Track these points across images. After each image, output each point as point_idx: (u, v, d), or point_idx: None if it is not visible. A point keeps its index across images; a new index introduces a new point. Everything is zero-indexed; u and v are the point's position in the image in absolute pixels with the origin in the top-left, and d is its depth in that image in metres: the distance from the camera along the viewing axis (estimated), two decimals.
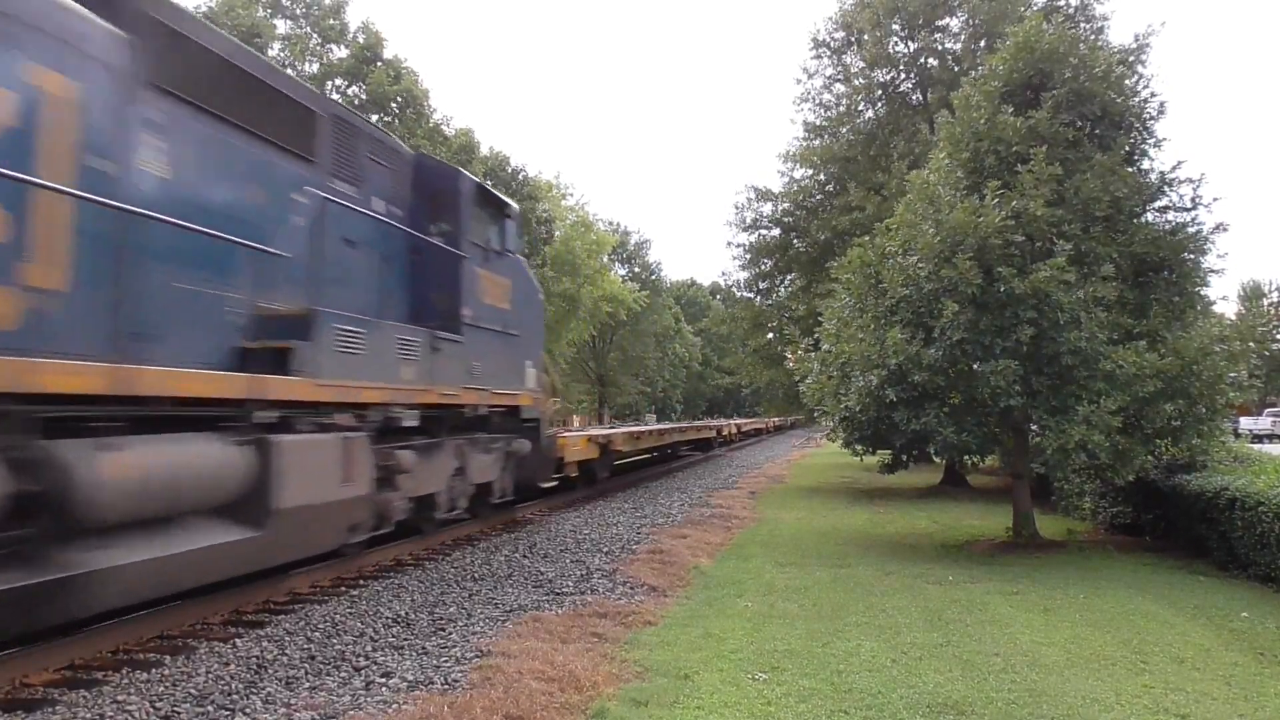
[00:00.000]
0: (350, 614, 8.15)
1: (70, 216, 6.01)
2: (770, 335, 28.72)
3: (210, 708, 5.69)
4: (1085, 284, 11.08)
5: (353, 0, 43.29)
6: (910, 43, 24.50)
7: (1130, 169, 12.36)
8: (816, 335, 14.25)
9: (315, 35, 29.38)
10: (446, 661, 6.67)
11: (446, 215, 11.74)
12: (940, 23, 24.18)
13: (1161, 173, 12.75)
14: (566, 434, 19.28)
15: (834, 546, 12.94)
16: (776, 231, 26.73)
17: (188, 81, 7.40)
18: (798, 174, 26.65)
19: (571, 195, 48.84)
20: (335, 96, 29.57)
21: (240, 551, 7.29)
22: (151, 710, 5.61)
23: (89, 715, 5.53)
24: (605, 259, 50.35)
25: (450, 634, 7.55)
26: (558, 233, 43.10)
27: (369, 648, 7.11)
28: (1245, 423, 44.80)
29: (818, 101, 26.32)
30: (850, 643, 7.36)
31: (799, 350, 16.56)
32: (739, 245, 27.40)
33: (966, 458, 19.30)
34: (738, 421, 47.13)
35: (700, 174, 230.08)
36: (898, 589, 9.70)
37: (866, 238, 13.39)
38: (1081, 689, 6.23)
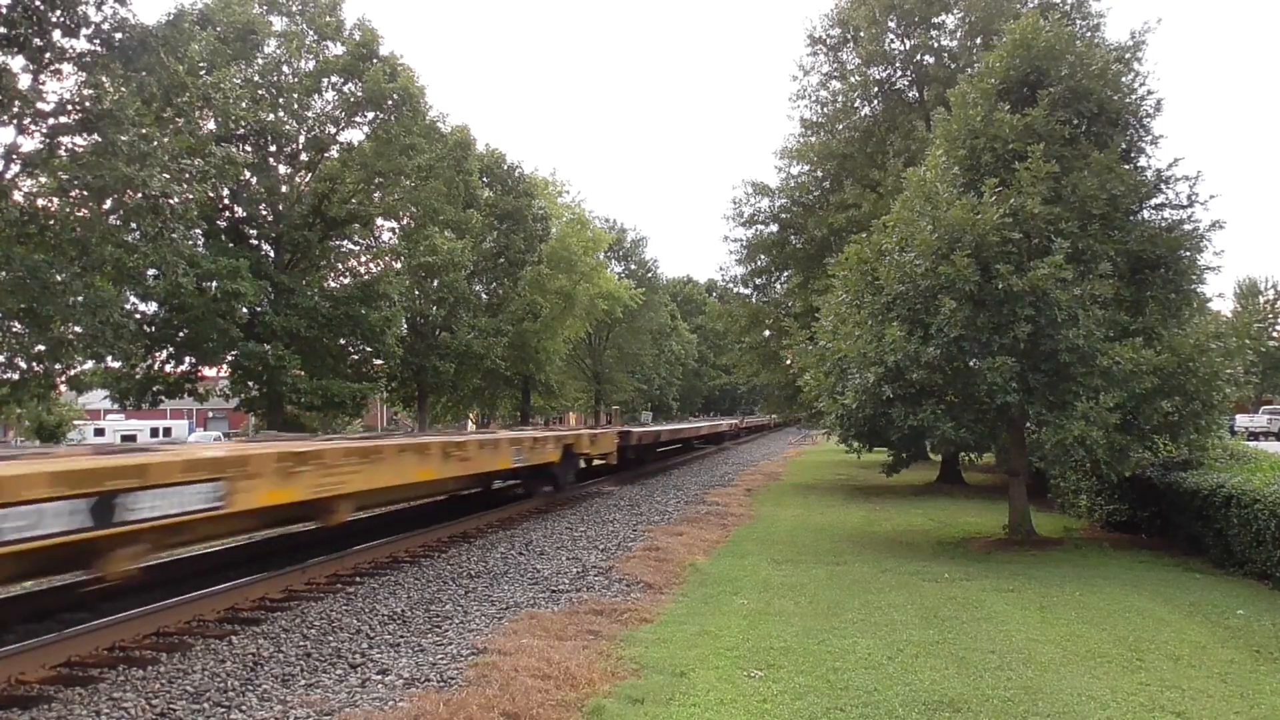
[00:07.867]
0: (346, 611, 8.14)
1: None
2: (767, 332, 28.69)
3: (206, 705, 5.68)
4: (1082, 281, 11.08)
5: None
6: (906, 40, 24.43)
7: (1127, 166, 12.35)
8: (813, 331, 14.24)
9: (311, 32, 29.20)
10: (443, 659, 6.67)
11: None
12: (936, 20, 24.10)
13: (1158, 170, 12.74)
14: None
15: (830, 544, 12.95)
16: (774, 227, 26.71)
17: None
18: (795, 170, 26.64)
19: (568, 192, 48.87)
20: (330, 94, 29.44)
21: None
22: (147, 707, 5.60)
23: (85, 713, 5.52)
24: (601, 256, 50.37)
25: (446, 631, 7.56)
26: (554, 230, 43.04)
27: (365, 645, 7.11)
28: (1241, 420, 44.83)
29: (814, 98, 26.24)
30: (846, 640, 7.37)
31: (798, 343, 16.54)
32: (736, 240, 27.44)
33: (963, 454, 19.41)
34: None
35: (697, 171, 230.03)
36: (894, 586, 9.71)
37: (863, 235, 13.38)
38: (1077, 686, 6.24)
